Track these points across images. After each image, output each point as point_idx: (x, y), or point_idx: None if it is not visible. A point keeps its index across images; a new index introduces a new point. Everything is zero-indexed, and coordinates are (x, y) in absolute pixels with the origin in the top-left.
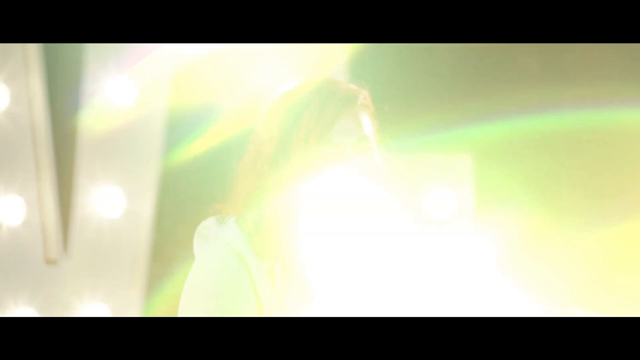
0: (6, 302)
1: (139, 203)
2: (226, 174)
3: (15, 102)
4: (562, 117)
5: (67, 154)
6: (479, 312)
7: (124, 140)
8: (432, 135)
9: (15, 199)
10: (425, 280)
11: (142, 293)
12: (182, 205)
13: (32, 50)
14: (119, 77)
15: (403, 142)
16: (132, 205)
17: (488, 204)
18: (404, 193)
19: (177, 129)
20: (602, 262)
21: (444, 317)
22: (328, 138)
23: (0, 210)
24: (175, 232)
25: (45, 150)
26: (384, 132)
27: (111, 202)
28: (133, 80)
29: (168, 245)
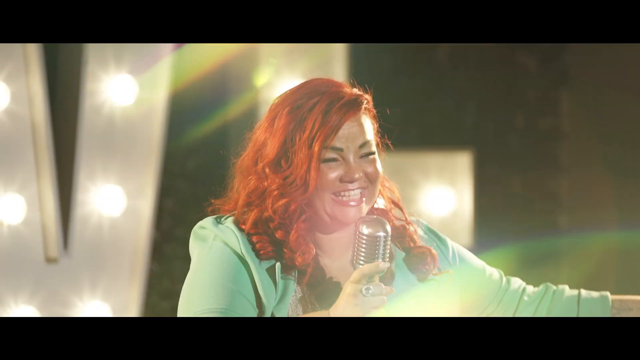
0: (6, 300)
1: (139, 202)
2: (226, 173)
3: (15, 101)
4: None
5: (67, 152)
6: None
7: (123, 139)
8: (431, 134)
9: (16, 197)
10: None
11: (142, 291)
12: (182, 203)
13: (32, 50)
14: (119, 76)
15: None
16: (131, 203)
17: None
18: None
19: (178, 126)
20: None
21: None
22: (332, 142)
23: (0, 208)
24: (175, 230)
25: (45, 149)
26: (385, 133)
27: (111, 200)
28: (133, 79)
29: (168, 243)
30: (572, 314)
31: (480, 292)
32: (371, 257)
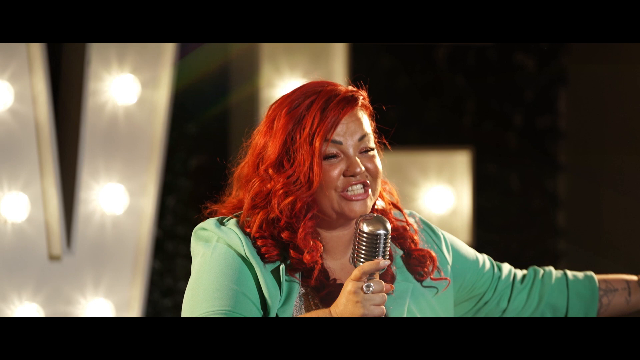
0: (10, 297)
1: (141, 200)
2: (226, 172)
3: (19, 100)
4: None
5: (70, 151)
6: None
7: (126, 138)
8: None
9: (19, 195)
10: None
11: (144, 288)
12: (183, 202)
13: (36, 50)
14: (122, 76)
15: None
16: (134, 202)
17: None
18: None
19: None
20: None
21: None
22: (332, 137)
23: (4, 206)
24: (176, 228)
25: (48, 147)
26: (383, 131)
27: (113, 198)
28: (135, 79)
29: (169, 241)
30: (563, 297)
31: (477, 283)
32: (371, 255)
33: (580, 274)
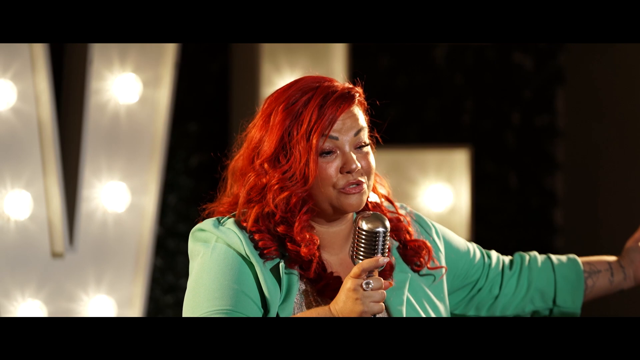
0: (13, 294)
1: (143, 198)
2: (219, 167)
3: (22, 99)
4: None
5: (73, 150)
6: None
7: (127, 136)
8: (428, 130)
9: (22, 193)
10: None
11: (146, 285)
12: (185, 200)
13: (39, 50)
14: (124, 75)
15: (401, 139)
16: (135, 200)
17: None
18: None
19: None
20: None
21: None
22: (329, 133)
23: (7, 204)
24: (178, 226)
25: (51, 146)
26: (379, 127)
27: (115, 196)
28: (137, 78)
29: (171, 238)
30: (551, 281)
31: (470, 271)
32: (370, 252)
33: (563, 258)
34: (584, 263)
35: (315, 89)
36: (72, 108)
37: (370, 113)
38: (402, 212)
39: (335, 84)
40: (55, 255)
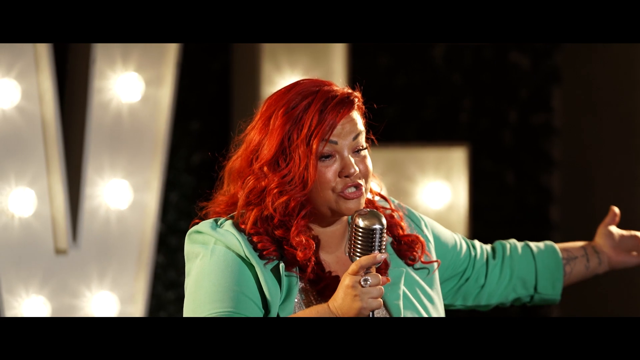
0: (18, 290)
1: (145, 195)
2: (216, 166)
3: (26, 98)
4: None
5: (76, 148)
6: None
7: (130, 134)
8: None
9: (26, 191)
10: None
11: (148, 282)
12: (186, 197)
13: (43, 49)
14: (126, 74)
15: (400, 138)
16: (138, 197)
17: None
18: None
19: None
20: None
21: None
22: (329, 138)
23: (12, 202)
24: (179, 223)
25: (55, 144)
26: (376, 129)
27: (118, 194)
28: (139, 77)
29: (172, 235)
30: (531, 269)
31: (457, 261)
32: (368, 249)
33: (541, 245)
34: (562, 250)
35: (315, 93)
36: (75, 107)
37: (367, 116)
38: (394, 207)
39: (335, 88)
40: (59, 251)
